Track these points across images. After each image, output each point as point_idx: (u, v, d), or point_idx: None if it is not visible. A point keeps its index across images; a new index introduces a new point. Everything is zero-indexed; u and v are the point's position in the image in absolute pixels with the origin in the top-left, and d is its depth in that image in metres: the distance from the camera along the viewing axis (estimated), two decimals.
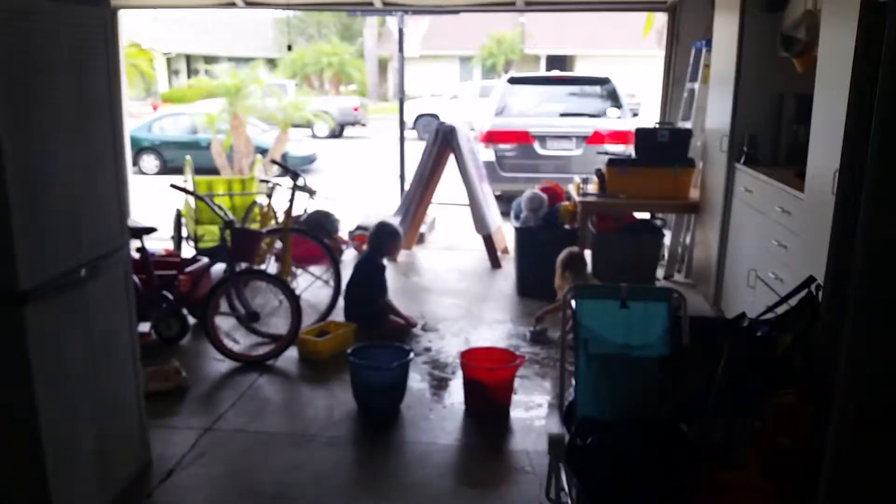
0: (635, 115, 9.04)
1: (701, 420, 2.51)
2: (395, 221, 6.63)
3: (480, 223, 6.36)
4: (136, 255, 4.15)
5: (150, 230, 4.41)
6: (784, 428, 2.24)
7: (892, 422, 1.92)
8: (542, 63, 28.18)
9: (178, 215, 6.21)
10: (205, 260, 4.83)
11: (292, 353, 4.31)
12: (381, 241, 4.87)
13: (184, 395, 3.78)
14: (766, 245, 4.00)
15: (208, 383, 3.99)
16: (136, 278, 3.58)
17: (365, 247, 4.96)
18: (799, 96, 4.32)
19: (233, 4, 6.77)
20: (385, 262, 4.94)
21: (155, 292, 4.39)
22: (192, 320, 4.57)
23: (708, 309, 5.00)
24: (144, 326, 4.28)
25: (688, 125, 5.83)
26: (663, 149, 5.35)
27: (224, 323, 4.47)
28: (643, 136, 5.49)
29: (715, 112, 5.12)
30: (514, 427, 3.53)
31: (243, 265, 4.41)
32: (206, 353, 4.31)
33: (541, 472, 3.02)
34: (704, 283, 5.27)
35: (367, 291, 4.69)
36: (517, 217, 5.70)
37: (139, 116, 15.07)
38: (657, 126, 5.73)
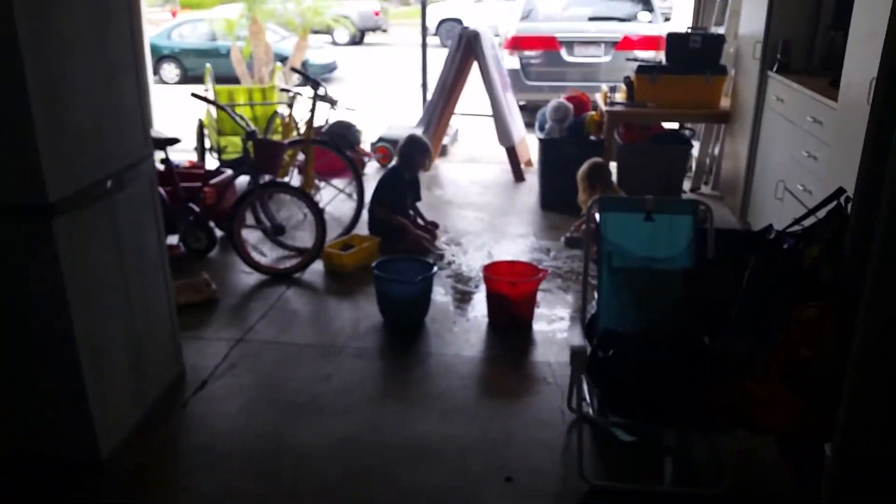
0: (667, 19, 8.68)
1: (724, 332, 2.53)
2: (419, 132, 6.57)
3: (504, 135, 6.26)
4: (161, 167, 4.17)
5: (174, 141, 4.40)
6: (807, 340, 2.24)
7: None
8: None
9: (201, 126, 6.18)
10: (229, 172, 4.84)
11: (318, 266, 4.36)
12: (412, 155, 4.81)
13: (214, 308, 3.88)
14: (795, 156, 3.91)
15: (237, 295, 4.08)
16: (161, 190, 3.60)
17: (395, 160, 4.90)
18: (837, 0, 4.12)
19: None
20: (419, 174, 4.93)
21: (181, 204, 4.43)
22: (219, 233, 4.63)
23: (735, 222, 4.95)
24: (173, 239, 4.35)
25: (721, 31, 5.60)
26: (695, 56, 5.16)
27: (251, 236, 4.52)
28: (675, 42, 5.29)
29: (749, 17, 4.90)
30: (536, 339, 3.59)
31: (267, 177, 4.42)
32: (235, 266, 4.38)
33: (563, 382, 3.09)
34: (732, 196, 5.20)
35: (390, 204, 4.69)
36: (541, 128, 5.60)
37: (158, 23, 14.79)
38: (689, 31, 5.51)
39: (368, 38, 19.89)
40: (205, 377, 3.21)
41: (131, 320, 2.78)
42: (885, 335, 1.94)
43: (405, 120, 7.35)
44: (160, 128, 6.23)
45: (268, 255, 4.46)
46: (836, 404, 2.02)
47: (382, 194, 4.73)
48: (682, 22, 6.79)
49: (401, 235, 4.59)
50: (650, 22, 8.44)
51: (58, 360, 2.45)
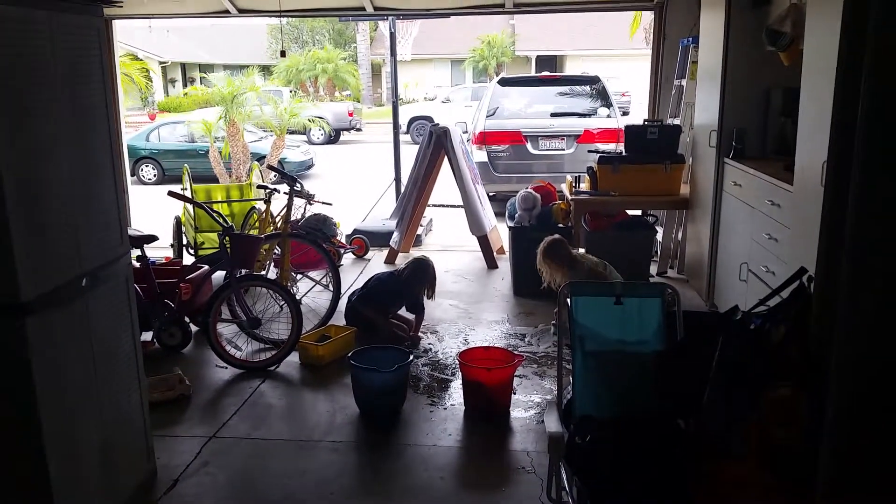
0: (625, 113, 9.11)
1: (698, 414, 2.55)
2: (392, 224, 6.68)
3: (476, 224, 6.40)
4: (137, 264, 4.19)
5: (151, 238, 4.44)
6: (780, 419, 2.26)
7: (887, 410, 1.95)
8: (533, 64, 28.27)
9: (178, 223, 6.24)
10: (205, 267, 4.86)
11: (294, 358, 4.34)
12: (416, 276, 4.69)
13: (187, 404, 3.81)
14: (756, 238, 4.04)
15: (211, 391, 4.02)
16: (137, 287, 3.60)
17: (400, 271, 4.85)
18: (786, 90, 4.37)
19: (226, 12, 6.82)
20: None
21: (156, 300, 4.42)
22: (194, 328, 4.60)
23: (701, 304, 5.04)
24: (146, 335, 4.31)
25: (676, 122, 5.88)
26: (653, 145, 5.40)
27: (226, 330, 4.50)
28: (633, 134, 5.54)
29: (703, 108, 5.17)
30: (514, 427, 3.56)
31: (243, 271, 4.44)
32: (209, 361, 4.34)
33: (541, 471, 3.06)
34: (697, 278, 5.32)
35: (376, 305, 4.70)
36: (511, 217, 5.75)
37: (136, 126, 15.09)
38: (646, 123, 5.77)
39: (343, 136, 20.45)
40: (176, 476, 3.13)
41: (102, 419, 2.72)
42: (855, 409, 1.98)
43: (380, 212, 7.49)
44: (138, 226, 6.27)
45: (243, 348, 4.43)
46: (813, 482, 2.03)
47: (372, 295, 4.73)
48: (639, 115, 7.10)
49: (377, 328, 4.59)
50: (609, 116, 8.85)
51: (24, 461, 2.37)
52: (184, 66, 30.09)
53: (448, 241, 7.38)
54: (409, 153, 7.44)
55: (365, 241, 6.78)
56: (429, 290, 4.74)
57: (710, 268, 4.96)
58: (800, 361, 2.30)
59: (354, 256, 6.68)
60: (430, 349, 4.51)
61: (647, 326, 2.81)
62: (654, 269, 5.88)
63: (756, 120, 4.68)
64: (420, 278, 4.71)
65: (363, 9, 6.79)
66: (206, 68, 28.48)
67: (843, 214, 2.03)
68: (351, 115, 20.32)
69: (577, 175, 5.76)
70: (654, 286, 3.06)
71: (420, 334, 4.69)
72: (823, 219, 2.25)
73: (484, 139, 8.72)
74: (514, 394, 3.81)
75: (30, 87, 2.32)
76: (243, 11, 6.86)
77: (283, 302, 4.49)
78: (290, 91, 21.48)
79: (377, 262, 6.45)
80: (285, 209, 5.13)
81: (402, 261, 6.45)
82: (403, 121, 18.02)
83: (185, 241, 6.21)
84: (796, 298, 2.49)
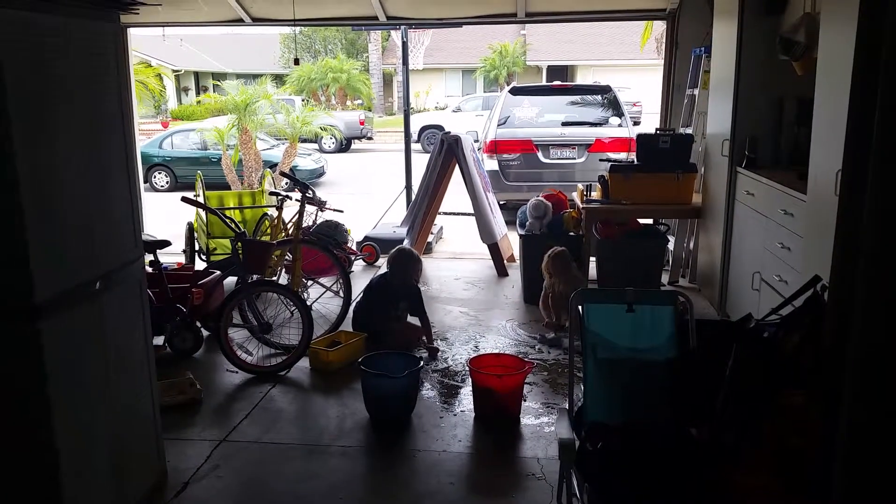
0: (636, 123, 9.10)
1: (710, 423, 2.53)
2: (403, 231, 6.70)
3: (486, 232, 6.40)
4: (150, 269, 4.21)
5: (164, 244, 4.47)
6: (794, 428, 2.25)
7: None
8: (544, 74, 28.35)
9: (191, 229, 6.28)
10: (217, 273, 4.88)
11: (304, 363, 4.35)
12: (397, 264, 4.71)
13: (198, 408, 3.82)
14: (769, 247, 4.02)
15: (222, 395, 4.03)
16: (149, 292, 3.63)
17: (385, 268, 4.84)
18: (799, 99, 4.35)
19: (240, 21, 6.88)
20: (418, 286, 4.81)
21: (168, 305, 4.44)
22: (205, 333, 4.62)
23: (713, 313, 5.02)
24: (158, 340, 4.33)
25: (689, 131, 5.87)
26: (665, 154, 5.39)
27: (237, 335, 4.52)
28: (645, 143, 5.54)
29: (715, 117, 5.16)
30: (524, 433, 3.55)
31: (255, 277, 4.46)
32: (220, 365, 4.35)
33: (552, 478, 3.05)
34: (709, 287, 5.29)
35: (377, 309, 4.69)
36: (522, 225, 5.75)
37: (149, 134, 15.20)
38: (658, 132, 5.77)
39: (355, 144, 20.55)
40: (186, 479, 3.13)
41: (114, 422, 2.72)
42: (870, 418, 1.96)
43: (391, 220, 7.52)
44: (151, 232, 6.32)
45: (254, 353, 4.44)
46: (828, 492, 2.01)
47: (369, 299, 4.74)
48: (650, 126, 7.08)
49: (385, 335, 4.58)
50: (620, 125, 8.86)
51: (36, 465, 2.37)
52: (196, 75, 30.33)
53: (459, 249, 7.39)
54: (420, 161, 7.47)
55: (375, 248, 6.79)
56: (414, 275, 4.73)
57: (722, 277, 4.94)
58: (813, 369, 2.29)
59: (365, 263, 6.70)
60: (441, 355, 4.50)
61: (658, 334, 2.80)
62: (665, 278, 5.86)
63: (769, 129, 4.66)
64: (404, 267, 4.67)
65: (376, 18, 6.83)
66: (218, 77, 28.71)
67: (858, 223, 2.02)
68: (362, 123, 20.42)
69: (588, 184, 5.76)
70: (666, 294, 3.05)
71: (435, 346, 4.60)
72: (837, 228, 2.24)
73: (495, 148, 8.74)
74: (525, 400, 3.80)
75: (45, 93, 2.33)
76: (257, 20, 6.93)
77: (293, 307, 4.50)
78: (303, 100, 21.62)
79: None
80: (297, 216, 5.16)
81: None
82: (415, 129, 18.10)
83: (197, 247, 6.25)
84: (810, 307, 2.48)
